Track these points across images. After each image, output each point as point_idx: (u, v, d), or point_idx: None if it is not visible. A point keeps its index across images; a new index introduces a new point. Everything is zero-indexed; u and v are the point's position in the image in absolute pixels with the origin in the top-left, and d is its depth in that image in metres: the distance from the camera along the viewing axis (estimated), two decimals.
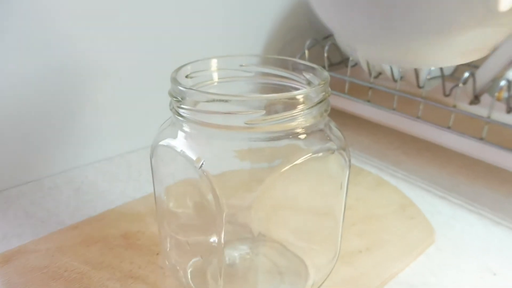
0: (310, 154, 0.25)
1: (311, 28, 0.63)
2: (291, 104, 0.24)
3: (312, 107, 0.24)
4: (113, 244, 0.36)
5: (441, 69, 0.50)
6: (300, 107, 0.24)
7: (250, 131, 0.23)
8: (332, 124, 0.28)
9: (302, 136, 0.25)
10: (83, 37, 0.46)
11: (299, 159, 0.24)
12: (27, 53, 0.43)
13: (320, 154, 0.25)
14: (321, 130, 0.26)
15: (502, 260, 0.37)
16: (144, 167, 0.51)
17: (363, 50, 0.27)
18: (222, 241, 0.27)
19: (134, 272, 0.33)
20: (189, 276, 0.31)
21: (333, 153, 0.26)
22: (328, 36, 0.59)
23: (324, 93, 0.25)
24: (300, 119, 0.24)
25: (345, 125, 0.60)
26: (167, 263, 0.32)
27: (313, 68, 0.28)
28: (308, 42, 0.56)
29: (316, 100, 0.24)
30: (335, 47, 0.59)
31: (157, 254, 0.35)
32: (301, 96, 0.24)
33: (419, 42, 0.23)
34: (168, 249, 0.32)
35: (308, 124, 0.25)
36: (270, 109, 0.24)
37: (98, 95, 0.49)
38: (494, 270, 0.36)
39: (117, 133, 0.52)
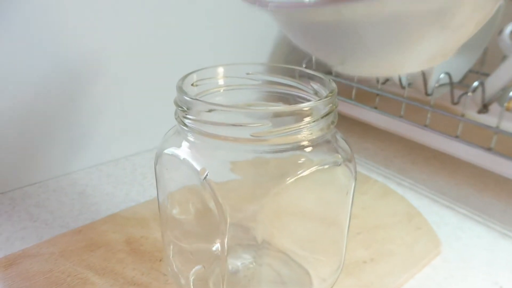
0: (316, 166, 0.24)
1: None
2: (298, 115, 0.24)
3: (319, 119, 0.24)
4: (116, 249, 0.36)
5: (450, 76, 0.49)
6: (307, 119, 0.23)
7: (256, 144, 0.23)
8: (339, 136, 0.28)
9: (308, 149, 0.25)
10: (90, 40, 0.46)
11: (305, 172, 0.24)
12: (32, 55, 0.43)
13: (326, 166, 0.25)
14: (327, 142, 0.26)
15: (510, 274, 0.36)
16: (149, 170, 0.51)
17: (338, 68, 0.27)
18: (225, 250, 0.27)
19: (137, 278, 0.33)
20: (191, 284, 0.30)
21: (339, 165, 0.26)
22: None
23: (331, 105, 0.25)
24: (307, 131, 0.24)
25: (351, 132, 0.60)
26: (169, 270, 0.32)
27: (320, 78, 0.28)
28: None
29: (323, 112, 0.24)
30: None
31: (160, 260, 0.35)
32: (308, 108, 0.23)
33: (386, 56, 0.24)
34: (171, 256, 0.31)
35: (314, 137, 0.24)
36: (277, 120, 0.23)
37: (104, 98, 0.49)
38: (501, 283, 0.35)
39: (122, 135, 0.52)
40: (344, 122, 0.58)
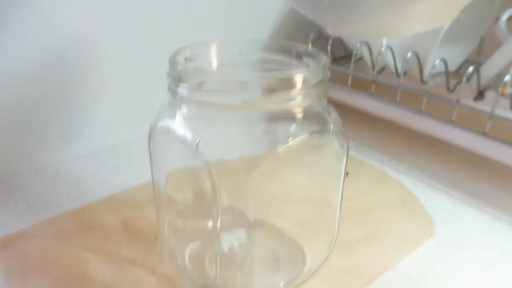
0: (307, 134, 0.25)
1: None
2: (289, 86, 0.24)
3: (309, 88, 0.24)
4: (111, 230, 0.36)
5: (446, 64, 0.50)
6: (298, 87, 0.23)
7: (247, 111, 0.23)
8: (332, 110, 0.28)
9: (300, 118, 0.25)
10: (85, 27, 0.46)
11: (296, 139, 0.24)
12: (26, 44, 0.43)
13: (317, 136, 0.25)
14: (319, 113, 0.26)
15: (503, 255, 0.36)
16: (145, 158, 0.50)
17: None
18: (218, 225, 0.27)
19: (132, 257, 0.33)
20: (187, 261, 0.31)
21: (330, 135, 0.26)
22: None
23: (322, 75, 0.25)
24: (298, 99, 0.24)
25: (347, 120, 0.59)
26: (165, 248, 0.32)
27: (313, 53, 0.28)
28: (312, 36, 0.56)
29: (314, 81, 0.24)
30: (339, 41, 0.59)
31: (155, 239, 0.35)
32: (299, 76, 0.23)
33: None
34: (166, 234, 0.32)
35: (305, 105, 0.24)
36: (269, 91, 0.24)
37: (100, 85, 0.49)
38: (494, 264, 0.35)
39: (118, 123, 0.52)
40: (340, 110, 0.57)
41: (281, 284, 0.30)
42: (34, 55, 0.44)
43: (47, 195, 0.43)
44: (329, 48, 0.55)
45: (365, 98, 0.53)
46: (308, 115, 0.25)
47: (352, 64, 0.53)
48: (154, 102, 0.52)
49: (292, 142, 0.24)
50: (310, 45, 0.55)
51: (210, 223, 0.28)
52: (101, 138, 0.51)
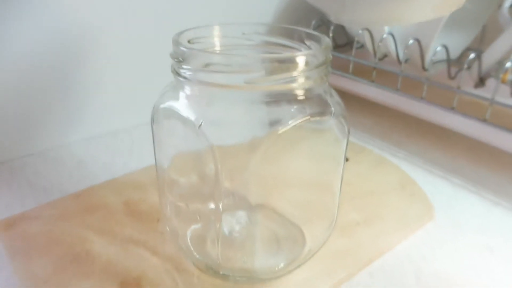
0: (309, 117, 0.25)
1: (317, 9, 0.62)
2: (291, 67, 0.24)
3: (312, 69, 0.24)
4: (114, 211, 0.37)
5: (447, 52, 0.50)
6: (300, 68, 0.24)
7: (249, 90, 0.23)
8: (333, 92, 0.28)
9: (302, 99, 0.25)
10: (87, 11, 0.46)
11: (297, 121, 0.25)
12: (28, 28, 0.43)
13: (318, 118, 0.25)
14: (320, 95, 0.26)
15: (501, 238, 0.37)
16: (147, 141, 0.51)
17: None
18: (221, 206, 0.28)
19: (134, 237, 0.34)
20: (189, 241, 0.31)
21: (331, 117, 0.26)
22: None
23: (324, 57, 0.25)
24: (300, 81, 0.24)
25: (348, 106, 0.59)
26: (167, 229, 0.32)
27: (315, 36, 0.28)
28: (314, 23, 0.56)
29: (316, 63, 0.24)
30: (341, 28, 0.59)
31: (158, 220, 0.36)
32: (301, 58, 0.24)
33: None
34: (168, 216, 0.32)
35: (307, 87, 0.25)
36: (272, 73, 0.24)
37: (102, 69, 0.49)
38: (492, 247, 0.36)
39: (120, 108, 0.52)
40: (342, 97, 0.58)
41: (282, 264, 0.30)
42: (36, 40, 0.44)
43: (49, 177, 0.44)
44: (331, 35, 0.55)
45: (366, 85, 0.53)
46: (310, 97, 0.25)
47: (353, 51, 0.54)
48: (156, 86, 0.52)
49: (293, 124, 0.24)
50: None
51: (212, 205, 0.29)
52: (103, 122, 0.52)
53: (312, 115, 0.25)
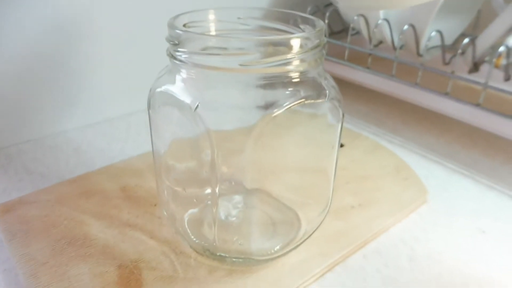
0: (303, 99, 0.25)
1: None
2: (286, 47, 0.24)
3: (306, 52, 0.24)
4: (111, 196, 0.37)
5: (442, 37, 0.50)
6: (294, 51, 0.24)
7: (244, 73, 0.24)
8: (328, 76, 0.28)
9: (296, 81, 0.25)
10: None
11: (292, 103, 0.25)
12: (25, 12, 0.43)
13: (313, 101, 0.26)
14: (315, 78, 0.26)
15: (493, 220, 0.38)
16: (144, 128, 0.51)
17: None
18: (217, 190, 0.28)
19: (132, 221, 0.34)
20: (186, 225, 0.31)
21: (326, 101, 0.26)
22: (330, 3, 0.59)
23: (318, 40, 0.25)
24: (295, 63, 0.24)
25: (344, 94, 0.59)
26: (164, 213, 0.33)
27: (310, 19, 0.28)
28: (309, 9, 0.56)
29: (310, 45, 0.25)
30: (337, 15, 0.59)
31: (155, 205, 0.36)
32: (296, 40, 0.24)
33: None
34: (165, 200, 0.32)
35: (302, 69, 0.25)
36: (265, 51, 0.24)
37: (98, 57, 0.49)
38: (484, 228, 0.36)
39: (116, 95, 0.52)
40: (337, 84, 0.59)
41: (277, 247, 0.30)
42: (32, 27, 0.44)
43: (46, 163, 0.44)
44: (326, 21, 0.55)
45: (362, 71, 0.53)
46: (305, 80, 0.26)
47: (349, 38, 0.54)
48: (152, 73, 0.52)
49: (287, 106, 0.25)
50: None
51: (208, 190, 0.29)
52: (99, 109, 0.52)
53: (306, 98, 0.25)
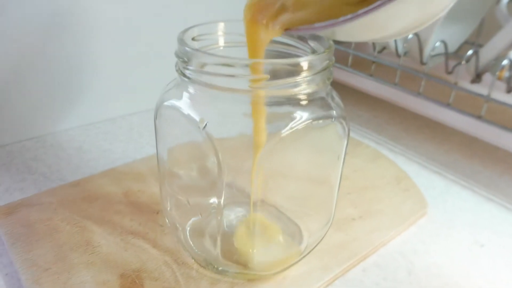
0: (311, 120, 0.25)
1: None
2: (294, 71, 0.24)
3: (315, 74, 0.24)
4: (114, 201, 0.37)
5: (445, 46, 0.50)
6: (303, 73, 0.24)
7: (253, 94, 0.24)
8: (334, 94, 0.28)
9: (304, 103, 0.25)
10: None
11: (299, 125, 0.25)
12: (28, 12, 0.43)
13: (320, 121, 0.26)
14: (322, 98, 0.27)
15: (491, 233, 0.38)
16: (146, 129, 0.51)
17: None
18: (222, 202, 0.28)
19: (134, 228, 0.35)
20: (188, 234, 0.32)
21: (333, 121, 0.27)
22: None
23: (327, 61, 0.25)
24: (303, 85, 0.24)
25: (346, 99, 0.60)
26: (167, 221, 0.33)
27: (318, 37, 0.28)
28: None
29: (320, 67, 0.25)
30: None
31: (157, 213, 0.36)
32: (305, 62, 0.24)
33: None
34: (168, 209, 0.33)
35: (310, 91, 0.25)
36: (274, 74, 0.24)
37: (102, 56, 0.49)
38: (482, 242, 0.37)
39: (119, 94, 0.52)
40: (340, 90, 0.58)
41: (279, 261, 0.31)
42: (35, 25, 0.43)
43: (48, 162, 0.44)
44: None
45: (365, 78, 0.53)
46: (312, 100, 0.26)
47: (353, 44, 0.54)
48: (155, 73, 0.53)
49: (295, 127, 0.25)
50: None
51: (212, 200, 0.29)
52: (101, 110, 0.52)
53: (314, 119, 0.25)
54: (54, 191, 0.39)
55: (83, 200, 0.37)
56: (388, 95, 0.51)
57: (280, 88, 0.24)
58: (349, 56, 0.54)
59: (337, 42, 0.59)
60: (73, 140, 0.48)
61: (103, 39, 0.48)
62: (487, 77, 0.50)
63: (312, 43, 0.29)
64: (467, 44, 0.58)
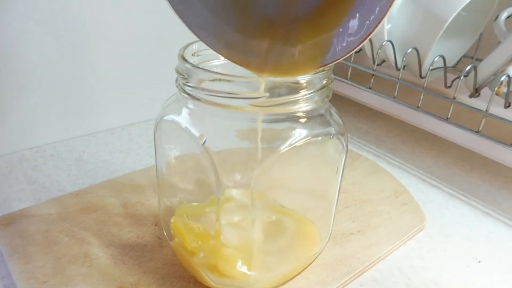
0: (310, 137, 0.25)
1: None
2: (294, 88, 0.25)
3: (314, 92, 0.25)
4: (112, 213, 0.37)
5: (444, 60, 0.50)
6: (303, 91, 0.24)
7: (253, 113, 0.24)
8: (333, 110, 0.29)
9: (303, 120, 0.26)
10: (89, 7, 0.46)
11: (299, 142, 0.25)
12: (30, 24, 0.43)
13: (319, 138, 0.26)
14: (321, 115, 0.27)
15: (489, 249, 0.38)
16: (145, 140, 0.51)
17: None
18: (220, 217, 0.28)
19: (132, 241, 0.35)
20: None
21: (331, 137, 0.27)
22: None
23: (327, 79, 0.26)
24: (302, 103, 0.25)
25: (345, 111, 0.61)
26: (165, 234, 0.33)
27: None
28: None
29: (319, 85, 0.25)
30: None
31: (155, 225, 0.36)
32: (304, 81, 0.24)
33: None
34: (166, 222, 0.33)
35: (309, 109, 0.25)
36: (274, 91, 0.25)
37: (102, 67, 0.49)
38: (480, 257, 0.37)
39: (119, 105, 0.53)
40: (339, 102, 0.59)
41: (277, 275, 0.31)
42: (36, 37, 0.44)
43: (48, 172, 0.44)
44: None
45: (364, 91, 0.54)
46: (311, 117, 0.26)
47: (352, 57, 0.54)
48: (156, 87, 0.53)
49: (294, 144, 0.25)
50: None
51: (211, 214, 0.29)
52: (101, 120, 0.52)
53: (313, 136, 0.26)
54: (52, 202, 0.39)
55: (82, 211, 0.37)
56: (387, 108, 0.52)
57: (279, 106, 0.24)
58: (349, 68, 0.55)
59: None
60: (72, 151, 0.48)
61: (103, 50, 0.49)
62: (485, 92, 0.51)
63: None
64: (465, 58, 0.58)
